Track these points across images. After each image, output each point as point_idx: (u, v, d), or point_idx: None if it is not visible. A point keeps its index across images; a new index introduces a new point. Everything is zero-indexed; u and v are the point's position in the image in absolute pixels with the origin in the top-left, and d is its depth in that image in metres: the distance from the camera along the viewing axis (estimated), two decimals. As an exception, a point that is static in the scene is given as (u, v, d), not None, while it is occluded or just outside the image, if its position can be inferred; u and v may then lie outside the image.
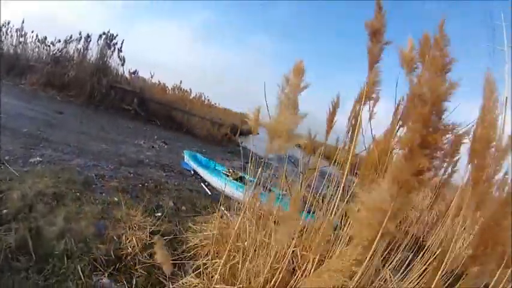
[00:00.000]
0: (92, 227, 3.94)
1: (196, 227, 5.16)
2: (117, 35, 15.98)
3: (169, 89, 20.32)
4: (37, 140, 7.17)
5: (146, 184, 6.49)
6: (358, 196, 1.85)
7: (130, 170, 7.04)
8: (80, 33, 15.60)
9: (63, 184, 4.96)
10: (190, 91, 21.14)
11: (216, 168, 9.11)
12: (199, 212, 6.00)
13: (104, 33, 15.80)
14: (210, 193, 7.30)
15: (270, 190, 6.39)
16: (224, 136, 18.93)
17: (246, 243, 3.60)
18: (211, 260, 3.91)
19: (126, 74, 16.65)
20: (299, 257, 3.36)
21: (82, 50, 15.39)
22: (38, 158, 5.96)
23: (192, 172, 8.49)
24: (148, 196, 5.82)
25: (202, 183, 7.80)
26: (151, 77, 18.78)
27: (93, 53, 15.55)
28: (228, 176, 8.08)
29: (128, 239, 4.00)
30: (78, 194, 4.84)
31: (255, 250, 3.40)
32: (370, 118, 3.63)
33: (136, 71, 16.92)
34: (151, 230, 4.37)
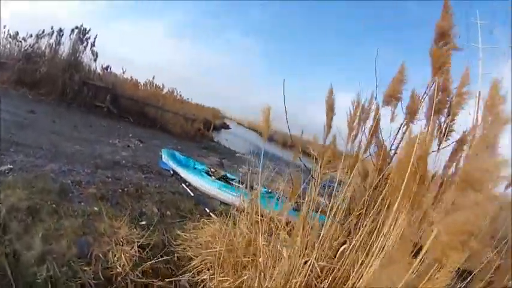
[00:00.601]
0: (74, 246, 3.51)
1: (185, 234, 4.75)
2: (89, 30, 15.30)
3: (142, 84, 19.75)
4: (7, 144, 6.59)
5: (126, 189, 6.03)
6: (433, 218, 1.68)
7: (107, 174, 6.56)
8: (51, 28, 14.81)
9: (38, 195, 4.47)
10: (163, 86, 20.61)
11: (196, 167, 8.66)
12: (184, 216, 5.63)
13: (76, 28, 15.01)
14: (192, 194, 6.87)
15: (252, 188, 6.39)
16: (197, 131, 18.56)
17: (260, 258, 3.16)
18: (214, 275, 3.53)
19: (99, 70, 15.94)
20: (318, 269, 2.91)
21: (54, 45, 14.63)
22: (9, 166, 5.42)
23: (172, 172, 8.02)
24: (130, 203, 5.41)
25: (183, 184, 7.37)
26: (123, 72, 18.16)
27: (65, 48, 14.82)
28: (210, 175, 7.67)
29: (115, 255, 3.60)
30: (54, 206, 4.37)
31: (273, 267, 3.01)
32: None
33: (108, 66, 16.23)
34: (139, 244, 3.96)
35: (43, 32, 14.74)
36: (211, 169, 7.91)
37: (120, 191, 5.87)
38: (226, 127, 37.38)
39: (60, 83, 13.51)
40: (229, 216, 4.40)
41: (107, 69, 16.09)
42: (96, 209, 4.74)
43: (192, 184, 7.51)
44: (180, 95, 22.58)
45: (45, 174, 5.52)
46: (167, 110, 17.28)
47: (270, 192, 7.16)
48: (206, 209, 6.13)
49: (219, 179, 7.52)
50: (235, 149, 19.38)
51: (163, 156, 8.67)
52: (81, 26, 15.07)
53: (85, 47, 15.10)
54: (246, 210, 4.12)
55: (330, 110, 3.60)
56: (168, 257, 4.01)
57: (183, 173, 7.78)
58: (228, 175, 8.17)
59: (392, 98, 3.03)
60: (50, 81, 13.44)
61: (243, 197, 5.06)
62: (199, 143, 16.51)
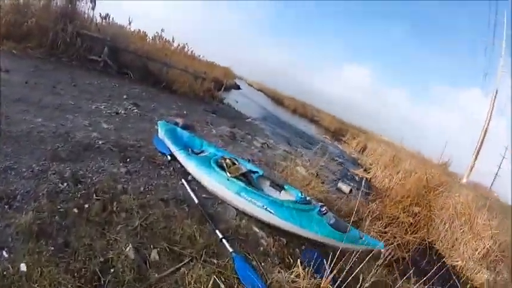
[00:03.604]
0: None
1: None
2: None
3: (150, 38, 16.64)
4: None
5: (88, 204, 3.51)
6: None
7: (66, 171, 3.96)
8: None
9: None
10: (173, 40, 17.53)
11: (204, 149, 6.00)
12: (182, 257, 3.34)
13: None
14: (196, 201, 4.37)
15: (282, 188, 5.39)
16: (207, 92, 15.89)
17: None
18: None
19: (98, 20, 12.81)
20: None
21: None
22: None
23: (169, 158, 5.36)
24: (87, 238, 3.05)
25: (183, 181, 4.81)
26: (130, 23, 15.03)
27: None
28: (224, 169, 4.93)
29: None
30: None
31: None
32: None
33: (108, 15, 13.03)
34: None
35: None
36: (226, 160, 5.13)
37: (77, 210, 3.35)
38: (237, 87, 35.01)
39: (51, 34, 10.65)
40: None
41: (105, 19, 12.92)
42: (22, 266, 2.54)
43: (196, 178, 5.00)
44: (192, 52, 19.61)
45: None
46: (174, 66, 14.38)
47: (308, 203, 4.65)
48: (221, 237, 3.82)
49: (237, 176, 4.81)
50: (246, 112, 16.91)
51: (159, 132, 5.98)
52: None
53: None
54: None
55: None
56: None
57: (184, 160, 5.18)
58: (250, 168, 5.54)
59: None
60: (40, 34, 10.61)
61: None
62: (208, 106, 13.76)
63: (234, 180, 4.65)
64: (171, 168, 5.16)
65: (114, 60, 12.41)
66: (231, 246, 3.72)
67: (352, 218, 6.28)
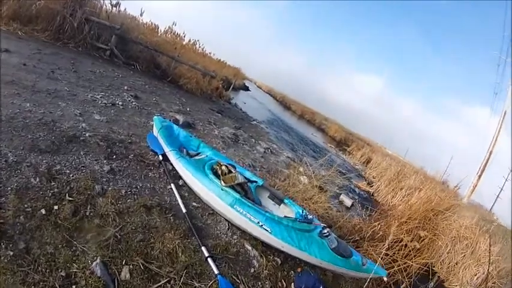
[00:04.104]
0: None
1: None
2: None
3: (161, 31, 16.15)
4: None
5: (57, 205, 3.05)
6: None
7: (41, 165, 3.49)
8: None
9: None
10: (184, 35, 17.10)
11: (201, 151, 5.46)
12: (160, 279, 2.89)
13: None
14: (184, 210, 3.88)
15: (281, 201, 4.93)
16: (215, 90, 15.49)
17: None
18: None
19: (108, 7, 12.33)
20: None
21: None
22: None
23: (161, 158, 4.79)
24: (51, 245, 2.67)
25: (172, 185, 4.32)
26: (141, 14, 14.34)
27: None
28: (219, 176, 4.38)
29: None
30: None
31: None
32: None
33: (118, 3, 12.40)
34: None
35: None
36: (222, 166, 4.59)
37: (44, 211, 2.91)
38: (246, 89, 34.64)
39: (59, 18, 10.23)
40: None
41: (116, 7, 12.35)
42: None
43: (187, 184, 4.51)
44: (203, 48, 19.11)
45: None
46: (183, 61, 13.87)
47: (309, 222, 4.23)
48: (207, 255, 3.35)
49: (232, 186, 4.27)
50: (253, 114, 16.61)
51: (154, 128, 5.43)
52: None
53: None
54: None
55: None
56: None
57: (177, 162, 4.61)
58: (249, 176, 5.04)
59: None
60: (48, 17, 10.18)
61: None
62: (214, 105, 13.31)
63: (229, 190, 4.12)
64: (161, 170, 4.66)
65: (122, 50, 12.01)
66: (217, 266, 3.24)
67: (354, 237, 5.89)
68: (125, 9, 13.40)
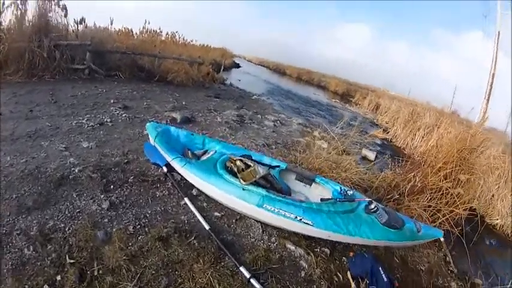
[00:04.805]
0: None
1: None
2: None
3: (136, 33, 15.23)
4: None
5: (59, 275, 2.54)
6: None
7: (32, 227, 2.94)
8: None
9: None
10: (160, 31, 16.17)
11: (208, 148, 4.80)
12: None
13: None
14: (207, 226, 3.30)
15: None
16: (206, 76, 14.93)
17: None
18: None
19: (72, 27, 11.41)
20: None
21: (19, 14, 10.12)
22: None
23: (165, 169, 4.09)
24: None
25: (186, 199, 3.72)
26: (111, 23, 13.46)
27: (30, 13, 10.17)
28: (236, 174, 3.71)
29: None
30: None
31: None
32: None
33: (83, 18, 11.59)
34: None
35: (3, 3, 10.21)
36: (236, 161, 3.85)
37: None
38: (237, 66, 33.95)
39: (27, 55, 9.55)
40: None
41: (81, 23, 11.53)
42: None
43: (202, 191, 3.93)
44: (183, 38, 18.09)
45: None
46: (165, 56, 13.30)
47: (351, 199, 3.62)
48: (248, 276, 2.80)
49: (255, 182, 3.61)
50: (251, 89, 16.15)
51: (150, 137, 4.72)
52: None
53: (54, 4, 10.47)
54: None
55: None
56: None
57: (184, 170, 3.93)
58: (269, 162, 4.44)
59: None
60: (16, 58, 9.48)
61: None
62: (209, 90, 12.76)
63: (252, 188, 3.49)
64: (169, 184, 4.07)
65: (100, 64, 11.33)
66: (263, 284, 2.69)
67: (393, 195, 5.35)
68: (94, 23, 12.82)
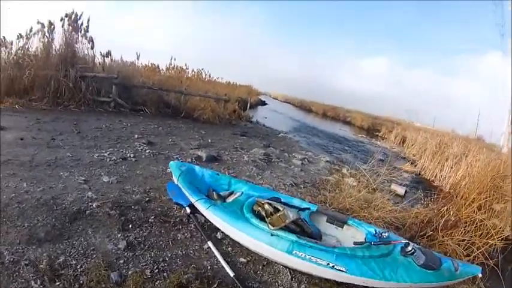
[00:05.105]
0: None
1: None
2: (82, 13, 10.88)
3: (162, 70, 15.91)
4: None
5: None
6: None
7: (42, 259, 2.72)
8: (38, 22, 10.32)
9: None
10: (187, 67, 16.57)
11: (234, 190, 4.53)
12: None
13: (66, 15, 10.59)
14: (232, 273, 2.97)
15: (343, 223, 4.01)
16: (233, 113, 14.95)
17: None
18: None
19: (99, 59, 11.77)
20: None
21: (46, 42, 10.40)
22: None
23: (188, 211, 3.85)
24: None
25: (209, 243, 3.40)
26: (138, 58, 13.93)
27: (57, 42, 10.61)
28: (264, 218, 3.41)
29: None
30: None
31: None
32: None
33: (109, 52, 11.95)
34: None
35: (31, 30, 10.40)
36: (265, 205, 3.56)
37: None
38: (263, 103, 34.21)
39: (53, 83, 9.79)
40: None
41: (107, 56, 11.90)
42: None
43: (227, 234, 3.64)
44: (209, 75, 18.55)
45: None
46: (192, 93, 13.35)
47: (386, 241, 3.29)
48: None
49: (286, 226, 3.31)
50: (277, 127, 16.11)
51: (173, 176, 4.53)
52: (73, 11, 10.72)
53: (80, 36, 10.89)
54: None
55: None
56: None
57: (209, 213, 3.69)
58: (298, 204, 4.16)
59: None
60: (42, 84, 9.77)
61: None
62: (236, 128, 12.61)
63: (281, 233, 3.19)
64: (192, 226, 3.77)
65: (126, 98, 11.46)
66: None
67: (426, 232, 5.02)
68: (121, 56, 13.05)
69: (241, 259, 3.33)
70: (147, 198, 4.27)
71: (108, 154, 5.84)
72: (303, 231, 3.36)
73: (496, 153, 8.09)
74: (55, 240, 2.98)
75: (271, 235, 3.20)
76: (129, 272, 2.75)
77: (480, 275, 3.26)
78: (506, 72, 21.47)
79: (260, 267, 3.27)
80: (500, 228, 4.90)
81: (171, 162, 4.77)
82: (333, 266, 2.93)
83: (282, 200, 3.96)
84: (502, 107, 21.34)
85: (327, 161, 9.44)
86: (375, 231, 3.55)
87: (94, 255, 2.88)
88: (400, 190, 8.12)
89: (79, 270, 2.66)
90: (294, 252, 3.05)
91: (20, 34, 10.09)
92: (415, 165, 13.65)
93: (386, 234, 3.42)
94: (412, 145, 17.69)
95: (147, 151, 6.54)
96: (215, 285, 2.79)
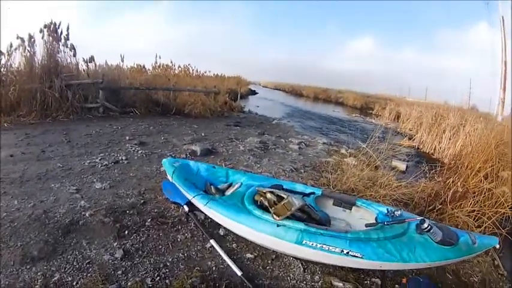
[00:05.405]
0: None
1: None
2: (60, 23, 10.52)
3: (148, 69, 15.75)
4: None
5: None
6: None
7: (36, 280, 2.57)
8: (17, 37, 9.91)
9: None
10: (173, 64, 16.47)
11: (233, 181, 4.34)
12: None
13: (44, 26, 10.21)
14: (239, 272, 2.79)
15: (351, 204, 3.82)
16: (224, 105, 14.83)
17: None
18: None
19: (83, 66, 11.51)
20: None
21: (29, 56, 10.03)
22: None
23: (186, 209, 3.71)
24: None
25: (212, 242, 3.25)
26: (122, 60, 13.30)
27: (39, 54, 10.24)
28: (267, 209, 3.22)
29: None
30: None
31: None
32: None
33: (92, 57, 11.59)
34: None
35: (11, 45, 10.01)
36: (266, 194, 3.37)
37: None
38: (253, 93, 34.18)
39: (39, 96, 9.53)
40: None
41: (90, 62, 11.57)
42: None
43: (230, 229, 3.46)
44: (196, 70, 18.49)
45: None
46: (180, 89, 13.21)
47: (400, 220, 3.08)
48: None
49: (291, 216, 3.09)
50: (270, 114, 16.23)
51: (167, 174, 4.37)
52: (51, 21, 10.38)
53: (61, 45, 10.52)
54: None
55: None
56: None
57: (208, 209, 3.49)
58: (302, 190, 3.99)
59: None
60: (28, 99, 9.50)
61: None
62: (229, 119, 12.51)
63: (287, 223, 2.97)
64: (192, 225, 3.58)
65: (115, 101, 11.24)
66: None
67: (435, 205, 4.97)
68: (106, 61, 12.80)
69: (248, 255, 3.15)
70: (142, 201, 4.09)
71: (100, 159, 5.65)
72: (310, 218, 3.16)
73: (493, 122, 8.02)
74: (49, 257, 2.82)
75: (277, 226, 2.98)
76: (129, 283, 2.57)
77: (498, 246, 3.11)
78: (494, 41, 21.34)
79: (269, 262, 3.10)
80: (510, 195, 4.79)
81: (164, 159, 4.61)
82: (348, 253, 2.74)
83: (284, 187, 3.79)
84: (493, 76, 21.27)
85: (324, 143, 9.38)
86: (387, 210, 3.36)
87: (90, 269, 2.70)
88: (402, 165, 8.05)
89: (75, 287, 2.49)
90: (303, 242, 2.83)
91: (0, 51, 9.81)
92: (413, 140, 13.63)
93: (399, 212, 3.23)
94: (407, 120, 17.66)
95: (140, 152, 6.37)
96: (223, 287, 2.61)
